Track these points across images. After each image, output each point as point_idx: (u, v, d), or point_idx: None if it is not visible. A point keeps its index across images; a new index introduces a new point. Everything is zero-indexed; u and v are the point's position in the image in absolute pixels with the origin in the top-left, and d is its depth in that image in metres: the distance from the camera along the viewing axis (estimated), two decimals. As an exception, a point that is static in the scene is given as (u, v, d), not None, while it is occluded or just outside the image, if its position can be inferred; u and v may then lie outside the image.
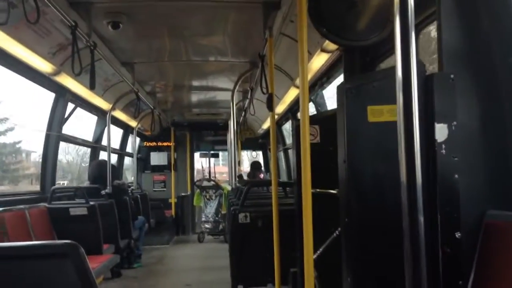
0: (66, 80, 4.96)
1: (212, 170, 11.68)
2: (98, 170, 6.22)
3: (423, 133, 1.95)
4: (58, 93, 5.42)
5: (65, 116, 5.69)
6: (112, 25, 4.15)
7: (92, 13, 3.89)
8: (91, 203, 5.11)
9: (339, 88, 2.17)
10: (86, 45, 4.09)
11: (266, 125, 8.92)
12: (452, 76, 1.97)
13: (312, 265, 2.13)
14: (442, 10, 2.09)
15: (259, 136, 11.06)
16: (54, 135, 5.52)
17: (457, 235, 1.89)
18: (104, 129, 7.09)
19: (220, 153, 13.06)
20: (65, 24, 3.69)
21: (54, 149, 5.54)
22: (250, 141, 11.35)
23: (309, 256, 2.13)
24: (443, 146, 1.92)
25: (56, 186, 5.52)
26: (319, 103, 5.99)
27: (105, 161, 6.39)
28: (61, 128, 5.60)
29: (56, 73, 4.68)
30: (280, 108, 7.19)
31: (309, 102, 5.85)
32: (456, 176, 1.90)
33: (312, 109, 6.15)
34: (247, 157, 12.23)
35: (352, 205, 2.07)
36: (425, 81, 1.99)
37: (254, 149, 12.26)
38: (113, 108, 6.47)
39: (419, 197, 1.14)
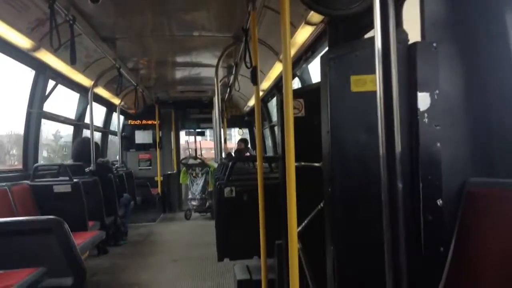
0: (46, 56, 4.85)
1: (198, 147, 11.65)
2: (81, 147, 6.14)
3: (405, 102, 1.96)
4: (38, 69, 5.30)
5: (46, 93, 5.58)
6: (92, -1, 4.04)
7: (71, -15, 3.79)
8: (75, 180, 5.06)
9: (322, 58, 2.15)
10: (65, 19, 3.99)
11: (252, 102, 8.89)
12: (434, 44, 1.97)
13: (296, 237, 2.14)
14: (425, -21, 2.08)
15: (245, 114, 11.02)
16: (35, 112, 5.42)
17: (438, 203, 1.91)
18: (86, 106, 6.99)
19: (208, 131, 13.02)
20: (44, -2, 3.59)
21: (36, 126, 5.45)
22: (236, 118, 11.33)
23: (293, 228, 2.14)
24: (426, 114, 1.93)
25: (39, 163, 5.44)
26: (305, 79, 5.97)
27: (88, 138, 6.32)
28: (42, 106, 5.49)
29: (35, 49, 4.57)
30: (265, 85, 7.16)
31: (294, 77, 5.88)
32: (438, 144, 1.92)
33: (298, 85, 6.13)
34: (237, 134, 12.18)
35: (335, 175, 2.08)
36: (408, 50, 1.98)
37: (240, 127, 12.25)
38: (95, 85, 6.36)
39: (398, 166, 1.14)
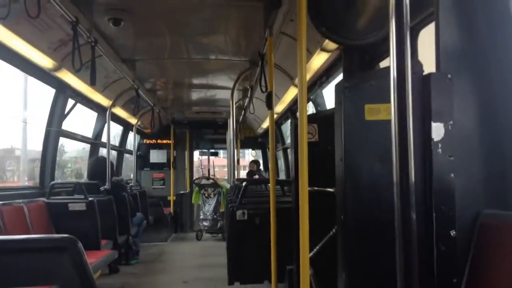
0: (67, 76, 4.97)
1: (212, 164, 11.71)
2: (96, 166, 6.23)
3: (419, 132, 1.97)
4: (59, 88, 5.43)
5: (65, 112, 5.71)
6: (113, 22, 4.18)
7: (94, 9, 3.91)
8: (90, 198, 5.12)
9: (337, 86, 2.19)
10: (87, 41, 4.11)
11: (266, 124, 8.94)
12: (449, 76, 1.98)
13: (308, 263, 2.15)
14: (440, 11, 2.11)
15: (258, 135, 11.07)
16: (54, 130, 5.53)
17: (452, 234, 1.90)
18: (104, 125, 7.11)
19: (221, 151, 13.07)
20: (66, 20, 3.70)
21: (54, 144, 5.56)
22: (249, 139, 11.37)
23: (305, 253, 2.15)
24: (439, 145, 1.93)
25: (55, 181, 5.53)
26: (319, 103, 6.01)
27: (103, 157, 6.41)
28: (61, 124, 5.61)
29: (57, 68, 4.70)
30: (279, 108, 7.21)
31: (309, 101, 5.93)
32: (452, 175, 1.92)
33: (312, 109, 6.18)
34: (251, 155, 12.23)
35: (348, 203, 2.09)
36: (423, 80, 2.01)
37: (253, 148, 12.29)
38: (113, 105, 6.48)
39: (412, 195, 1.16)
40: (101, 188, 5.89)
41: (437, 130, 1.94)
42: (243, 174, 12.93)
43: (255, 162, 9.92)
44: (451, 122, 1.95)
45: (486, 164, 2.04)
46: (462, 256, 1.92)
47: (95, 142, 7.25)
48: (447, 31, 2.12)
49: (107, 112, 6.36)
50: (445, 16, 2.10)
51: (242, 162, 13.79)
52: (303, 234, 2.16)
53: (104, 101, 6.46)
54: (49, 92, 5.47)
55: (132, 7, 4.00)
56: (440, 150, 1.93)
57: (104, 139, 7.05)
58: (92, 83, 4.29)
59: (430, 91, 1.96)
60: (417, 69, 2.06)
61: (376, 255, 2.00)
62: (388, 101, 1.59)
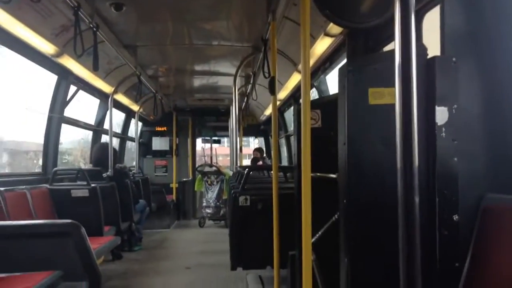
0: (69, 62, 4.95)
1: (214, 154, 11.71)
2: (100, 153, 6.24)
3: (423, 116, 1.96)
4: (61, 75, 5.42)
5: (68, 98, 5.70)
6: (115, 7, 4.14)
7: (96, -7, 3.88)
8: (93, 185, 5.14)
9: (341, 70, 2.17)
10: (89, 26, 4.08)
11: (268, 111, 8.91)
12: (454, 59, 1.96)
13: (310, 249, 2.15)
14: (445, -6, 2.08)
15: (261, 123, 11.06)
16: (56, 117, 5.53)
17: (454, 218, 1.90)
18: (106, 112, 7.10)
19: (226, 140, 13.07)
20: (68, 5, 3.67)
21: (56, 131, 5.56)
22: (252, 127, 11.35)
23: (307, 239, 2.15)
24: (443, 129, 1.92)
25: (58, 167, 5.54)
26: (322, 89, 5.98)
27: (107, 144, 6.42)
28: (63, 111, 5.60)
29: (59, 54, 4.67)
30: (282, 94, 7.18)
31: (312, 88, 5.89)
32: (455, 159, 1.91)
33: (315, 95, 6.15)
34: (255, 143, 12.27)
35: (351, 188, 2.08)
36: (427, 64, 1.98)
37: (256, 136, 12.27)
38: (115, 91, 6.46)
39: (415, 180, 1.15)
40: (103, 174, 5.90)
41: (441, 114, 1.93)
42: (246, 162, 12.95)
43: (258, 150, 9.91)
44: (455, 106, 1.93)
45: (490, 149, 2.03)
46: (464, 240, 1.92)
47: (97, 129, 7.24)
48: (452, 14, 2.09)
49: (109, 99, 6.35)
50: (450, 0, 2.07)
51: (245, 151, 13.80)
52: (306, 220, 2.16)
53: (106, 88, 6.44)
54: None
55: (134, -9, 3.96)
56: (444, 134, 1.92)
57: (106, 126, 7.05)
58: (94, 68, 4.27)
59: (435, 75, 1.94)
60: (421, 52, 2.04)
61: (379, 240, 2.00)
62: (392, 85, 1.57)
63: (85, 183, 5.19)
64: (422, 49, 2.06)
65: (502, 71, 2.05)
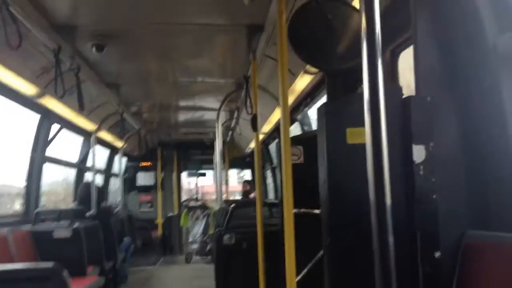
0: (51, 102, 4.95)
1: (200, 190, 11.63)
2: (85, 191, 6.16)
3: (401, 155, 2.00)
4: (43, 114, 5.39)
5: (50, 137, 5.66)
6: (97, 48, 4.18)
7: (76, 36, 3.91)
8: (75, 225, 5.05)
9: (319, 110, 2.21)
10: (70, 68, 4.11)
11: (254, 144, 8.94)
12: (428, 98, 2.02)
13: (295, 287, 2.13)
14: (418, 34, 2.16)
15: (247, 155, 11.06)
16: (39, 156, 5.47)
17: (436, 255, 1.91)
18: (89, 150, 7.05)
19: (212, 172, 12.99)
20: (49, 48, 3.70)
21: (38, 171, 5.49)
22: (238, 159, 11.35)
23: (291, 277, 2.13)
24: (421, 167, 1.95)
25: (40, 209, 5.44)
26: (305, 123, 6.04)
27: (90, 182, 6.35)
28: (45, 150, 5.55)
29: (40, 95, 4.67)
30: (266, 128, 7.23)
31: (295, 122, 5.95)
32: (434, 196, 1.94)
33: (299, 130, 6.20)
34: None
35: (334, 226, 2.09)
36: (402, 103, 2.04)
37: (242, 168, 12.25)
38: (98, 129, 6.44)
39: (389, 218, 1.16)
40: (86, 214, 5.81)
41: (418, 152, 1.96)
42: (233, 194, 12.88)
43: (248, 182, 9.86)
44: (432, 144, 1.97)
45: (469, 185, 2.06)
46: (447, 277, 1.93)
47: (80, 167, 7.17)
48: (426, 54, 2.16)
49: (92, 137, 6.32)
50: (423, 41, 2.15)
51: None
52: (289, 257, 2.16)
53: (89, 126, 6.42)
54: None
55: (115, 33, 4.01)
56: (421, 172, 1.95)
57: (90, 163, 6.99)
58: (80, 108, 4.29)
59: (410, 114, 1.99)
60: (396, 92, 2.09)
61: (363, 279, 1.99)
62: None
63: (68, 223, 5.09)
64: (397, 89, 2.11)
65: (477, 109, 2.11)
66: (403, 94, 2.06)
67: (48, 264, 3.26)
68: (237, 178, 14.87)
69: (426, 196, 1.93)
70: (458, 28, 2.12)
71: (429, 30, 2.15)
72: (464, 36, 2.11)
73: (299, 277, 2.81)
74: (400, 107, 2.03)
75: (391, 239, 1.17)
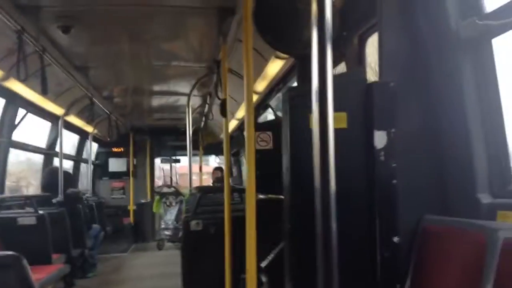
0: (16, 85, 4.79)
1: (174, 174, 11.55)
2: (50, 177, 6.02)
3: (363, 140, 2.00)
4: (8, 98, 5.23)
5: (16, 122, 5.50)
6: (63, 29, 4.04)
7: (41, 17, 3.78)
8: (40, 212, 4.94)
9: (284, 95, 2.19)
10: (35, 49, 3.97)
11: (229, 129, 8.89)
12: (391, 84, 2.02)
13: (254, 272, 2.13)
14: (383, 20, 2.15)
15: (221, 141, 11.01)
16: (4, 141, 5.32)
17: (395, 240, 1.93)
18: (57, 135, 6.89)
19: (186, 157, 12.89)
20: (13, 29, 3.57)
21: (3, 156, 5.34)
22: (213, 146, 11.28)
23: (252, 262, 2.13)
24: (382, 152, 1.96)
25: (4, 195, 5.30)
26: (279, 109, 6.02)
27: (57, 168, 6.21)
28: (11, 135, 5.40)
29: (5, 78, 4.53)
30: (240, 114, 7.19)
31: (267, 108, 5.92)
32: (394, 181, 1.95)
33: (272, 116, 6.19)
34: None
35: (294, 212, 2.08)
36: (366, 89, 2.03)
37: (217, 154, 12.21)
38: (66, 114, 6.29)
39: (333, 204, 1.15)
40: (53, 200, 5.69)
41: (380, 138, 1.97)
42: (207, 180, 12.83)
43: (219, 169, 9.82)
44: (394, 130, 1.98)
45: (428, 170, 2.09)
46: (405, 261, 1.95)
47: (48, 152, 7.00)
48: (390, 41, 2.16)
49: (60, 121, 6.17)
50: (388, 26, 2.14)
51: (206, 169, 13.67)
52: (250, 242, 2.15)
53: (57, 110, 6.26)
54: None
55: (82, 14, 3.89)
56: (382, 157, 1.96)
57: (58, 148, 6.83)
58: (44, 92, 4.16)
59: (373, 100, 1.99)
60: (361, 77, 2.09)
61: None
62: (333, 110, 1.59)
63: (32, 210, 4.98)
64: (361, 74, 2.11)
65: (437, 95, 2.12)
66: (367, 80, 2.06)
67: (7, 252, 3.18)
68: (217, 164, 14.84)
69: (385, 181, 1.94)
70: (422, 14, 2.12)
71: (394, 16, 2.15)
72: (428, 22, 2.11)
73: (265, 263, 2.82)
74: (364, 92, 2.02)
75: (334, 225, 1.16)
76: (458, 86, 2.03)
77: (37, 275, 3.26)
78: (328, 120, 1.14)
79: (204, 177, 13.19)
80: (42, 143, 6.93)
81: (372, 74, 2.86)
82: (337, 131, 1.72)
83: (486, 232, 1.62)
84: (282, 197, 2.59)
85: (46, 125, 6.93)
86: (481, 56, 2.03)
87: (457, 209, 1.99)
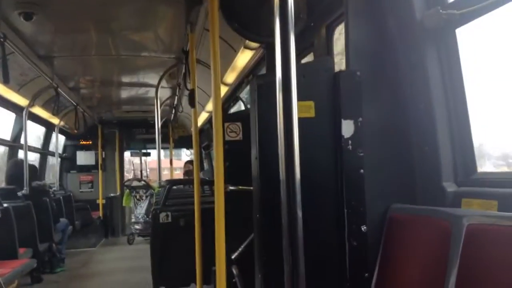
0: (-25, 75, 4.59)
1: (144, 168, 11.40)
2: (14, 170, 5.84)
3: (330, 129, 1.99)
4: (-32, 88, 5.03)
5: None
6: (24, 16, 3.89)
7: (1, 2, 3.62)
8: (5, 205, 4.78)
9: (251, 84, 2.16)
10: (-4, 37, 3.82)
11: (199, 122, 8.81)
12: (358, 73, 2.02)
13: (224, 263, 2.11)
14: (349, 11, 2.15)
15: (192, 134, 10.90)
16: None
17: (363, 229, 1.94)
18: (22, 126, 6.67)
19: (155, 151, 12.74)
20: (-31, 14, 3.42)
21: (-36, 148, 5.14)
22: (184, 138, 11.16)
23: (221, 253, 2.11)
24: (350, 141, 1.96)
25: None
26: (247, 100, 6.00)
27: (22, 160, 6.02)
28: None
29: (-37, 66, 4.32)
30: (211, 105, 7.11)
31: (238, 100, 5.89)
32: (362, 171, 1.95)
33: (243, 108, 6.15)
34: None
35: (264, 202, 2.07)
36: (333, 78, 2.02)
37: (188, 147, 12.09)
38: (31, 105, 6.09)
39: (298, 193, 1.14)
40: (18, 193, 5.52)
41: (347, 127, 1.97)
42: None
43: (190, 162, 9.73)
44: (361, 119, 1.98)
45: (395, 159, 2.10)
46: (373, 250, 1.97)
47: (12, 145, 6.78)
48: (356, 30, 2.16)
49: (24, 112, 5.97)
50: (354, 16, 2.14)
51: (179, 164, 13.54)
52: (219, 234, 2.12)
53: (22, 101, 6.06)
54: None
55: (43, 1, 3.74)
56: (350, 146, 1.96)
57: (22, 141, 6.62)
58: (5, 81, 4.01)
59: (340, 89, 1.98)
60: (328, 66, 2.08)
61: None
62: (300, 99, 1.58)
63: (-4, 203, 4.82)
64: (329, 63, 2.10)
65: (403, 85, 2.14)
66: (334, 69, 2.05)
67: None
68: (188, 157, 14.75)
69: (353, 170, 1.94)
70: (387, 4, 2.13)
71: (360, 6, 2.15)
72: (393, 12, 2.12)
73: (235, 254, 2.80)
74: (331, 81, 2.02)
75: (299, 213, 1.16)
76: (423, 76, 2.05)
77: (2, 270, 3.15)
78: (292, 109, 1.12)
79: (176, 172, 13.10)
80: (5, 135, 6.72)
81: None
82: (304, 120, 1.74)
83: (451, 219, 1.65)
84: (252, 188, 2.58)
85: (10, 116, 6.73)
86: (445, 46, 2.05)
87: (423, 198, 2.01)
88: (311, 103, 1.95)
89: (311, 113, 1.95)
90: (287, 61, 1.12)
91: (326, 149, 1.96)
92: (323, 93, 1.98)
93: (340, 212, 1.94)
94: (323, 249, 1.91)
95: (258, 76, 2.21)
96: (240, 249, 2.85)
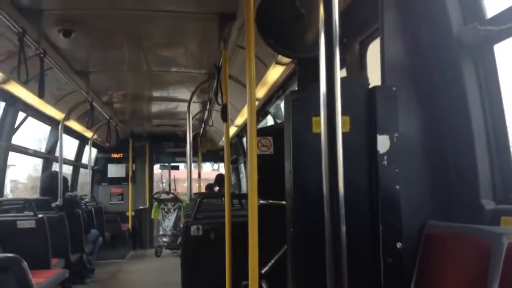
0: (16, 89, 4.79)
1: (172, 180, 11.52)
2: (48, 182, 6.00)
3: (365, 145, 1.99)
4: (8, 101, 5.22)
5: (16, 125, 5.49)
6: (64, 33, 4.05)
7: (42, 20, 3.77)
8: (40, 215, 4.91)
9: (286, 98, 2.18)
10: (36, 52, 3.97)
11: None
12: (394, 88, 2.02)
13: (257, 278, 2.11)
14: (384, 27, 2.15)
15: (220, 148, 11.00)
16: (3, 145, 5.30)
17: (398, 246, 1.91)
18: (57, 139, 6.88)
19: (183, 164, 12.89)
20: (13, 31, 3.57)
21: (3, 160, 5.32)
22: (211, 152, 11.26)
23: (254, 267, 2.12)
24: (385, 157, 1.95)
25: (4, 198, 5.28)
26: (278, 116, 6.03)
27: (56, 172, 6.19)
28: (10, 138, 5.38)
29: (5, 81, 4.52)
30: (240, 120, 7.19)
31: (267, 114, 5.92)
32: (397, 187, 1.94)
33: (272, 123, 6.19)
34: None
35: (297, 216, 2.07)
36: (368, 93, 2.03)
37: (216, 161, 12.19)
38: (66, 118, 6.28)
39: (342, 208, 1.14)
40: (52, 204, 5.66)
41: (383, 142, 1.96)
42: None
43: (219, 176, 9.79)
44: (397, 134, 1.97)
45: (431, 175, 2.08)
46: (408, 267, 1.94)
47: (47, 157, 6.98)
48: (392, 45, 2.16)
49: (60, 126, 6.16)
50: (390, 32, 2.14)
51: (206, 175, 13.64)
52: (252, 248, 2.13)
53: (57, 114, 6.25)
54: None
55: (82, 18, 3.89)
56: (385, 162, 1.95)
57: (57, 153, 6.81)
58: (40, 95, 4.14)
59: (376, 104, 1.98)
60: (363, 82, 2.08)
61: (325, 269, 1.98)
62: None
63: (32, 213, 4.95)
64: (364, 78, 2.10)
65: (439, 100, 2.12)
66: (369, 84, 2.06)
67: (7, 254, 3.16)
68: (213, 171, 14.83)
69: (389, 186, 1.93)
70: (423, 19, 2.13)
71: (396, 21, 2.15)
72: (429, 27, 2.11)
73: (265, 269, 2.79)
74: (366, 97, 2.02)
75: (343, 228, 1.15)
76: (460, 91, 2.03)
77: (37, 279, 3.23)
78: (336, 123, 1.14)
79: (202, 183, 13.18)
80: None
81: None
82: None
83: (490, 237, 1.61)
84: (283, 202, 2.59)
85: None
86: (483, 61, 2.03)
87: (460, 215, 1.98)
88: (346, 118, 1.96)
89: (346, 128, 1.95)
90: (332, 76, 1.14)
91: (361, 164, 1.96)
92: (358, 108, 1.99)
93: (375, 228, 1.92)
94: (358, 265, 1.89)
95: (292, 92, 2.24)
96: (270, 264, 2.85)
